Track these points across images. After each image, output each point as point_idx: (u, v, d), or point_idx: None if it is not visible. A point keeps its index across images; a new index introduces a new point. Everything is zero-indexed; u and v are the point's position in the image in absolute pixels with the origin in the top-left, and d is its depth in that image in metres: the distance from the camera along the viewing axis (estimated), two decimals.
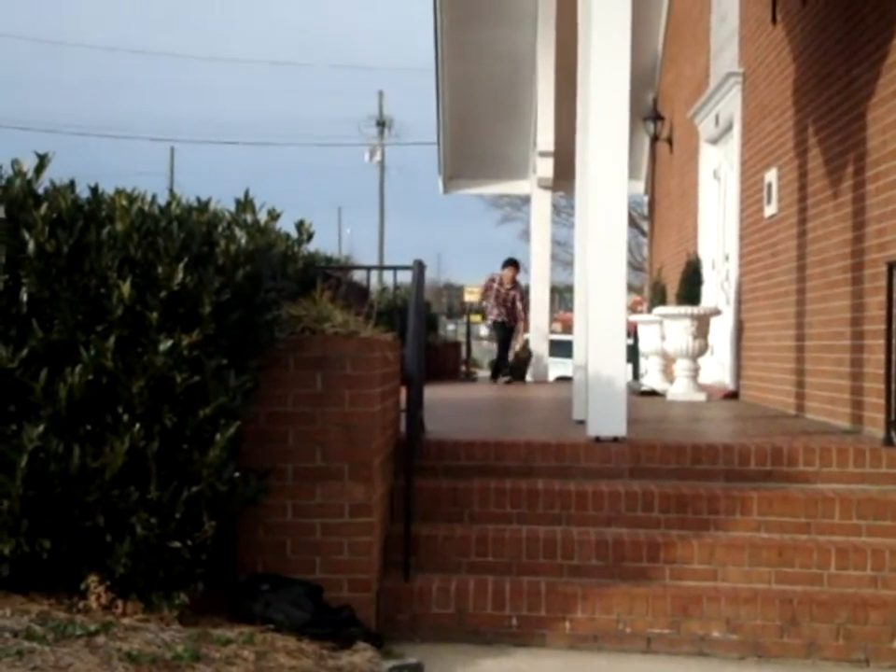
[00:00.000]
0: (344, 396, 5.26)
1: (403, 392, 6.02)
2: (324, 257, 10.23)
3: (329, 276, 7.26)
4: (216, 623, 4.74)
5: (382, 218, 48.53)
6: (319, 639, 4.75)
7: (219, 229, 4.85)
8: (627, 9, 6.58)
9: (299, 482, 5.25)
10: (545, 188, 15.85)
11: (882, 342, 6.59)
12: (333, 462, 5.26)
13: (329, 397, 5.26)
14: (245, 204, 5.02)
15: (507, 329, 15.34)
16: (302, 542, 5.26)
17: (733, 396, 11.24)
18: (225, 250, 4.67)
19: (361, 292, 10.14)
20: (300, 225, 5.56)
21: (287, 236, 5.51)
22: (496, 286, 15.18)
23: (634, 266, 35.49)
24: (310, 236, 5.60)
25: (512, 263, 15.31)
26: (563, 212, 33.64)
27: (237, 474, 4.70)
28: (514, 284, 15.18)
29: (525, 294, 15.49)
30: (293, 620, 4.82)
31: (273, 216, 5.15)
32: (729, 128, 11.92)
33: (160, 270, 4.49)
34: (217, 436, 4.56)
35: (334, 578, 5.23)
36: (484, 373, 24.62)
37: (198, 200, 4.94)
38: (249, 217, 5.02)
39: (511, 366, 15.40)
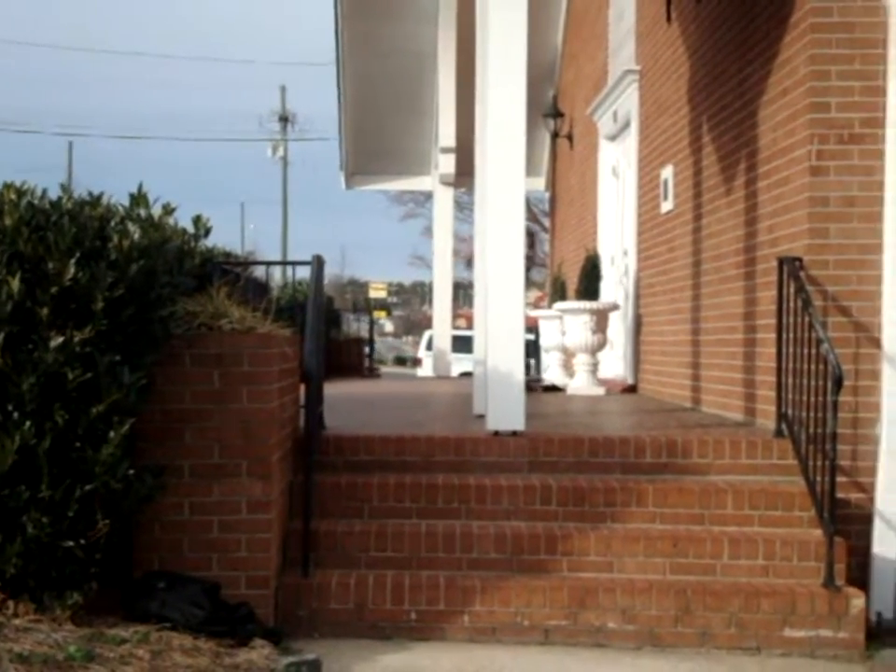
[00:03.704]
0: (242, 392, 5.24)
1: (303, 388, 6.00)
2: (223, 252, 10.13)
3: (227, 272, 7.21)
4: (111, 622, 4.69)
5: (285, 214, 48.22)
6: (216, 637, 4.73)
7: (112, 223, 4.79)
8: (524, 5, 6.62)
9: (196, 479, 5.21)
10: (447, 184, 15.92)
11: (773, 335, 6.74)
12: (231, 459, 5.23)
13: (226, 393, 5.22)
14: (138, 199, 4.96)
15: None
16: (200, 540, 5.22)
17: (631, 390, 11.39)
18: (118, 245, 4.61)
19: (261, 288, 10.09)
20: (196, 220, 5.47)
21: (184, 231, 5.42)
22: None
23: (536, 262, 35.79)
24: (207, 231, 5.52)
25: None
26: (466, 208, 33.71)
27: (132, 472, 4.65)
28: None
29: None
30: (189, 618, 4.78)
31: (168, 210, 5.09)
32: (627, 125, 12.06)
33: (50, 265, 4.42)
34: (111, 433, 4.51)
35: (232, 575, 5.21)
36: (388, 370, 24.58)
37: (90, 194, 4.88)
38: (143, 212, 4.96)
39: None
